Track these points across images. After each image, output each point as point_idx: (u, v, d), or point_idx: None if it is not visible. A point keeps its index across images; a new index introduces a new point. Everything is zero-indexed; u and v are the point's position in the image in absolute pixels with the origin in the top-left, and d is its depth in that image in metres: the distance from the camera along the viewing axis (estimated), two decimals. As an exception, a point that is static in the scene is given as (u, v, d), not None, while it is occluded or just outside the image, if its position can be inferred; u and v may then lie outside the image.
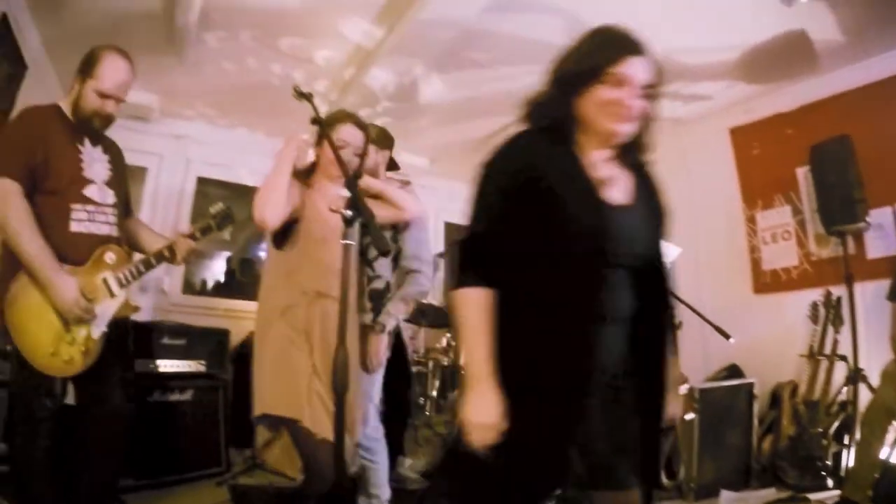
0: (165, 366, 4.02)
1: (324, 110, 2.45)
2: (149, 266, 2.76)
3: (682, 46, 4.16)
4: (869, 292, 4.13)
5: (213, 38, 4.51)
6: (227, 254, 7.15)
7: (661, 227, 1.80)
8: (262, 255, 6.57)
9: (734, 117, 5.18)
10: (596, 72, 1.63)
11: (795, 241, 4.72)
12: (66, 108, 2.67)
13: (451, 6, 3.84)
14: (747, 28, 4.03)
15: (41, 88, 4.20)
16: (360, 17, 4.18)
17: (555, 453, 1.57)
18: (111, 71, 2.66)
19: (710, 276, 5.12)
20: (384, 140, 3.46)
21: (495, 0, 3.79)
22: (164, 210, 5.91)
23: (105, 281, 2.60)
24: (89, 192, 2.61)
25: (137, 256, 2.86)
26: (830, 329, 4.11)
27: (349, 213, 1.92)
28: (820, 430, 3.85)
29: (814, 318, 4.23)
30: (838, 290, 4.17)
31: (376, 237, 1.95)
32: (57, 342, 2.43)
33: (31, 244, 2.36)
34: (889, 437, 3.38)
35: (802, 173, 4.65)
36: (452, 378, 5.54)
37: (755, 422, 4.11)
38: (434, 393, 5.64)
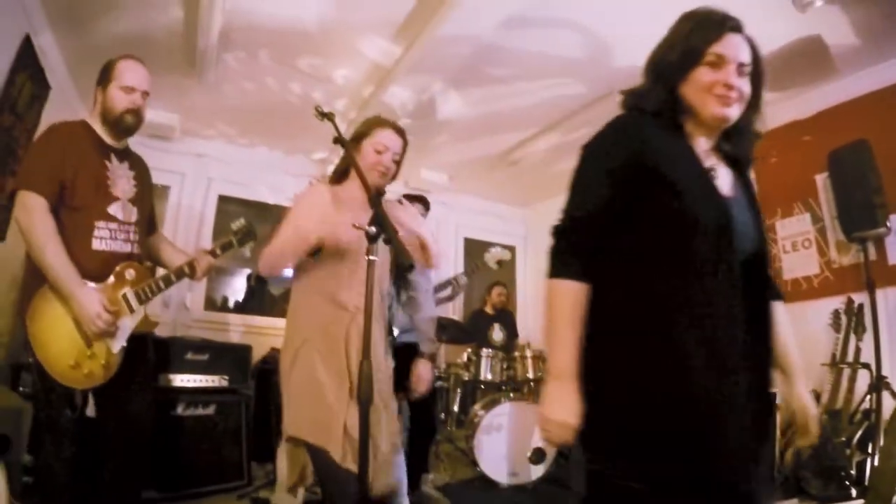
0: (188, 380, 4.05)
1: (343, 129, 2.47)
2: (168, 283, 2.79)
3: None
4: (891, 299, 4.08)
5: (232, 58, 4.59)
6: (247, 271, 7.21)
7: (762, 220, 1.68)
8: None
9: (751, 125, 5.14)
10: (695, 54, 1.57)
11: (816, 249, 4.66)
12: (94, 121, 2.71)
13: (467, 22, 3.87)
14: (762, 35, 3.96)
15: (64, 108, 4.30)
16: (378, 36, 4.25)
17: (708, 478, 1.40)
18: (129, 69, 2.72)
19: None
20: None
21: (511, 16, 3.82)
22: (185, 227, 6.01)
23: (125, 297, 2.63)
24: (113, 209, 2.64)
25: (160, 272, 2.89)
26: (853, 337, 4.05)
27: (372, 229, 1.91)
28: (843, 439, 3.80)
29: (835, 326, 4.19)
30: (860, 298, 4.11)
31: (400, 252, 1.92)
32: (78, 355, 2.45)
33: (56, 259, 2.40)
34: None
35: (821, 180, 4.61)
36: (473, 393, 5.54)
37: (777, 432, 4.07)
38: (455, 408, 5.65)
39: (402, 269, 2.08)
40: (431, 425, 4.41)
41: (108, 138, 2.73)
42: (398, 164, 2.60)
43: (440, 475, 4.65)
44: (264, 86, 5.03)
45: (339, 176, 2.59)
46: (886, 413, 3.66)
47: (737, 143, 1.69)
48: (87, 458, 2.56)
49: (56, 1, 3.91)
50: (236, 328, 5.98)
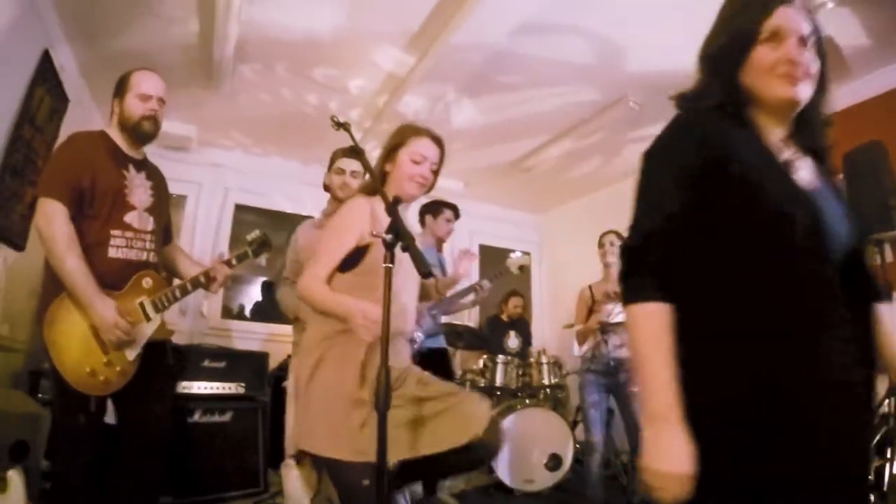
0: (205, 388, 4.10)
1: (358, 138, 2.48)
2: (184, 292, 2.81)
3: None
4: (908, 301, 4.02)
5: (248, 69, 4.65)
6: (263, 279, 7.26)
7: (849, 212, 1.49)
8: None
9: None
10: (748, 35, 1.42)
11: None
12: (113, 131, 2.75)
13: (479, 31, 3.89)
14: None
15: (83, 121, 4.35)
16: (392, 46, 4.28)
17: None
18: (144, 78, 2.76)
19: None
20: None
21: (523, 23, 3.83)
22: (202, 236, 6.08)
23: (141, 305, 2.65)
24: (130, 218, 2.67)
25: (175, 281, 2.90)
26: (870, 341, 4.00)
27: (389, 237, 1.89)
28: (870, 442, 3.78)
29: None
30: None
31: (418, 260, 1.90)
32: (94, 363, 2.47)
33: (75, 267, 2.42)
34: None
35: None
36: (489, 399, 5.52)
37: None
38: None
39: (421, 276, 2.04)
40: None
41: (126, 148, 2.76)
42: (436, 174, 2.53)
43: (456, 482, 4.65)
44: (280, 96, 5.08)
45: (373, 190, 2.44)
46: (905, 418, 3.62)
47: (808, 130, 1.51)
48: (105, 464, 2.58)
49: (74, 16, 3.99)
50: (252, 336, 6.02)
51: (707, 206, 1.35)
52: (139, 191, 2.75)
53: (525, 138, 5.81)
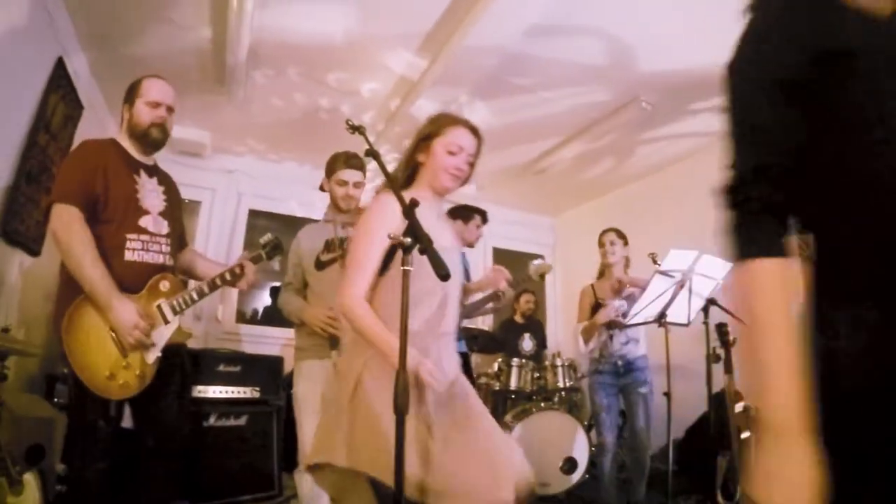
0: (220, 392, 4.12)
1: (371, 141, 2.46)
2: (202, 294, 2.81)
3: (725, 59, 4.09)
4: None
5: (261, 75, 4.67)
6: (276, 284, 7.28)
7: None
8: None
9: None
10: None
11: None
12: (123, 138, 2.78)
13: (491, 33, 3.89)
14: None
15: (97, 128, 4.41)
16: (404, 49, 4.29)
17: None
18: (153, 85, 2.79)
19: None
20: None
21: (534, 25, 3.82)
22: (216, 241, 6.12)
23: (159, 308, 2.66)
24: (144, 222, 2.69)
25: (192, 284, 2.90)
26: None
27: (408, 240, 1.86)
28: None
29: None
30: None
31: (436, 263, 1.81)
32: (113, 366, 2.48)
33: (94, 270, 2.43)
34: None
35: None
36: (504, 403, 5.51)
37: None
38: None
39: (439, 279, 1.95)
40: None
41: (136, 154, 2.79)
42: (472, 166, 2.40)
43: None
44: (292, 101, 5.10)
45: (404, 182, 2.39)
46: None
47: None
48: (121, 468, 2.59)
49: (87, 23, 4.02)
50: (266, 340, 6.03)
51: (822, 123, 0.99)
52: (151, 195, 2.77)
53: (538, 140, 5.79)
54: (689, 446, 4.63)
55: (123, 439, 2.66)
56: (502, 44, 4.03)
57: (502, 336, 6.27)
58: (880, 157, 0.94)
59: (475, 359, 6.13)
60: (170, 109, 2.82)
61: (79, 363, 2.44)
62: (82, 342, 2.46)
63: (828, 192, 1.01)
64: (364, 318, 2.10)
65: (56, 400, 3.56)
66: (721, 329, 3.85)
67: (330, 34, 4.08)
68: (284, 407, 4.45)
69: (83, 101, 4.37)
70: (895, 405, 0.88)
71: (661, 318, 3.87)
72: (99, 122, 4.65)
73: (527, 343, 6.22)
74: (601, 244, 4.49)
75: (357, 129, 2.29)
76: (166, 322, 2.67)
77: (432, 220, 2.22)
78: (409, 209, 1.96)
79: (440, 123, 2.35)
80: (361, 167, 3.29)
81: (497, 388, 5.26)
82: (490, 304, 4.05)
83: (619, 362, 4.21)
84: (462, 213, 4.45)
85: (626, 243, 4.48)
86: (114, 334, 2.50)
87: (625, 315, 4.05)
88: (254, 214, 6.50)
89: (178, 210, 2.98)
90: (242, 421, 4.12)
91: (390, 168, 2.34)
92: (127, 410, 2.67)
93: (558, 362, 5.22)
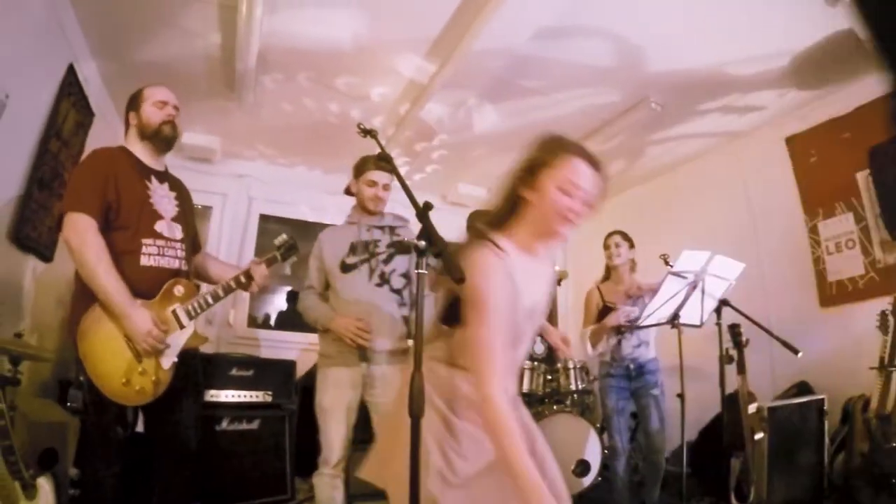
0: (233, 396, 4.13)
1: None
2: (216, 298, 2.82)
3: (733, 58, 4.14)
4: (940, 297, 3.90)
5: (270, 80, 4.68)
6: (287, 288, 7.31)
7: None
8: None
9: (789, 126, 5.04)
10: None
11: (860, 249, 4.49)
12: (132, 144, 2.81)
13: (500, 36, 3.88)
14: (794, 33, 3.93)
15: (108, 135, 4.41)
16: (413, 53, 4.29)
17: None
18: (157, 90, 2.85)
19: (775, 291, 4.96)
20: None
21: (543, 27, 3.81)
22: (228, 246, 6.13)
23: (174, 313, 2.66)
24: (159, 227, 2.70)
25: (206, 288, 2.91)
26: (902, 338, 3.87)
27: (422, 243, 1.81)
28: (894, 444, 3.68)
29: (883, 328, 4.01)
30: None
31: (450, 266, 1.75)
32: (129, 372, 2.49)
33: (108, 278, 2.44)
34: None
35: (863, 178, 4.44)
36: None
37: (826, 439, 3.96)
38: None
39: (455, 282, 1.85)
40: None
41: (147, 159, 2.81)
42: (591, 208, 1.91)
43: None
44: (302, 106, 5.11)
45: (502, 220, 2.01)
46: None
47: None
48: (134, 472, 2.60)
49: (98, 30, 4.05)
50: (278, 344, 6.04)
51: None
52: (164, 201, 2.78)
53: (547, 143, 5.77)
54: (703, 448, 4.60)
55: (137, 443, 2.67)
56: (510, 46, 4.02)
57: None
58: None
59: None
60: (176, 108, 2.87)
61: (94, 369, 2.45)
62: (98, 349, 2.47)
63: None
64: (513, 436, 1.71)
65: (69, 404, 3.57)
66: (734, 330, 3.83)
67: (339, 39, 4.09)
68: (297, 411, 4.46)
69: (94, 107, 4.40)
70: None
71: (673, 320, 3.87)
72: (109, 129, 4.67)
73: (538, 346, 6.20)
74: (606, 246, 4.51)
75: (369, 133, 2.29)
76: (182, 327, 2.67)
77: (536, 282, 1.98)
78: (423, 212, 1.89)
79: (551, 150, 1.94)
80: (392, 169, 3.30)
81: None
82: None
83: (631, 365, 4.21)
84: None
85: (631, 245, 4.49)
86: (129, 341, 2.50)
87: (634, 320, 4.05)
88: (264, 219, 6.50)
89: (190, 215, 2.99)
90: (255, 425, 4.13)
91: (402, 172, 2.33)
92: (141, 415, 2.68)
93: (570, 365, 5.20)
